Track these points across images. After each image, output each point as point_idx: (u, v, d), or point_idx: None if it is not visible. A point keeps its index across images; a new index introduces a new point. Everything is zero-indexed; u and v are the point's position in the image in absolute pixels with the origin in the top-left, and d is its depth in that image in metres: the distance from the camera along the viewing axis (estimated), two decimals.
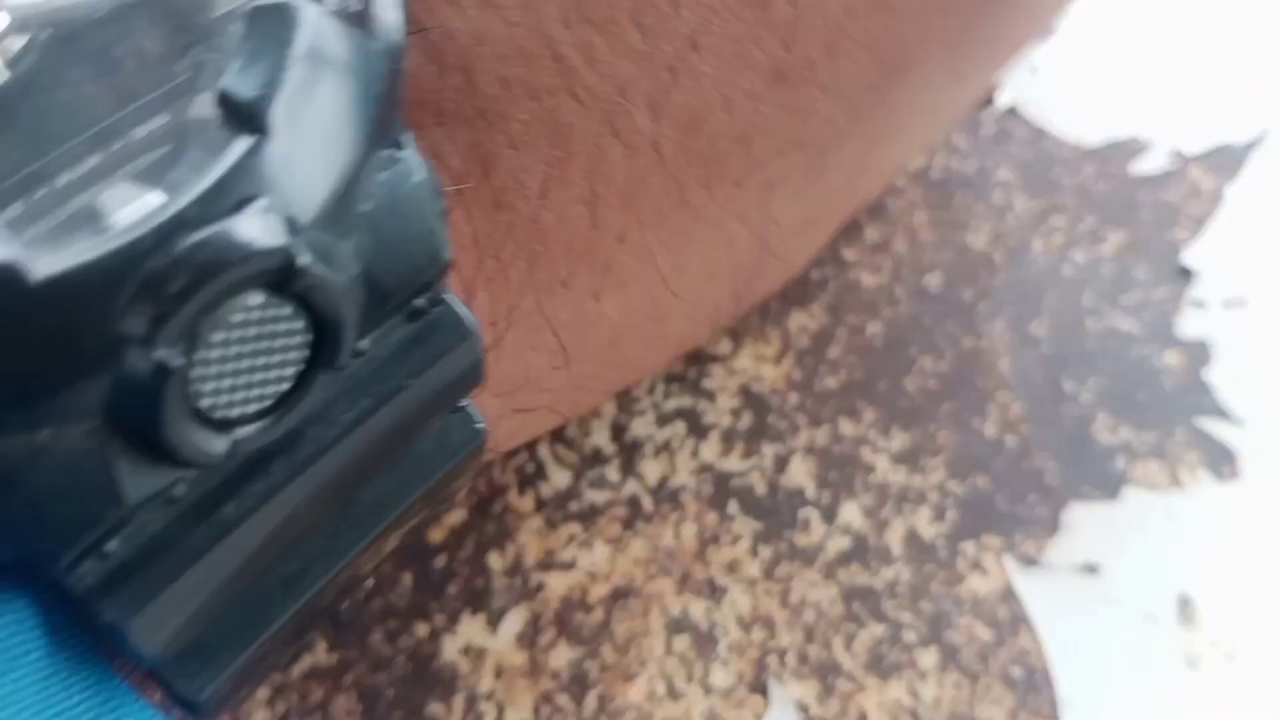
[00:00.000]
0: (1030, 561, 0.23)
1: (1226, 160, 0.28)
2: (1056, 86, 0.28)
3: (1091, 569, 0.23)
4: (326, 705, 0.21)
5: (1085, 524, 0.23)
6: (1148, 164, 0.27)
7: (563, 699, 0.21)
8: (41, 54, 0.10)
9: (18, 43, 0.09)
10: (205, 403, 0.09)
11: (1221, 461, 0.24)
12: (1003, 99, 0.28)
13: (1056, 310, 0.25)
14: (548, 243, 0.14)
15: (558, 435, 0.23)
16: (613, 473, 0.23)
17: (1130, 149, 0.27)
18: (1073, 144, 0.27)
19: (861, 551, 0.22)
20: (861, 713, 0.21)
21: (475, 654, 0.21)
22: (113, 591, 0.10)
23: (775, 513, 0.23)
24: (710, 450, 0.23)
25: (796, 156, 0.17)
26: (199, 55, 0.10)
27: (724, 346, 0.24)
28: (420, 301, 0.12)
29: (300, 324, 0.10)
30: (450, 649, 0.21)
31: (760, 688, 0.21)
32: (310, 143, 0.10)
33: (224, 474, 0.10)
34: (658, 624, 0.21)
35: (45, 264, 0.08)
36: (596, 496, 0.23)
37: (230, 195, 0.09)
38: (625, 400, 0.24)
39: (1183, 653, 0.22)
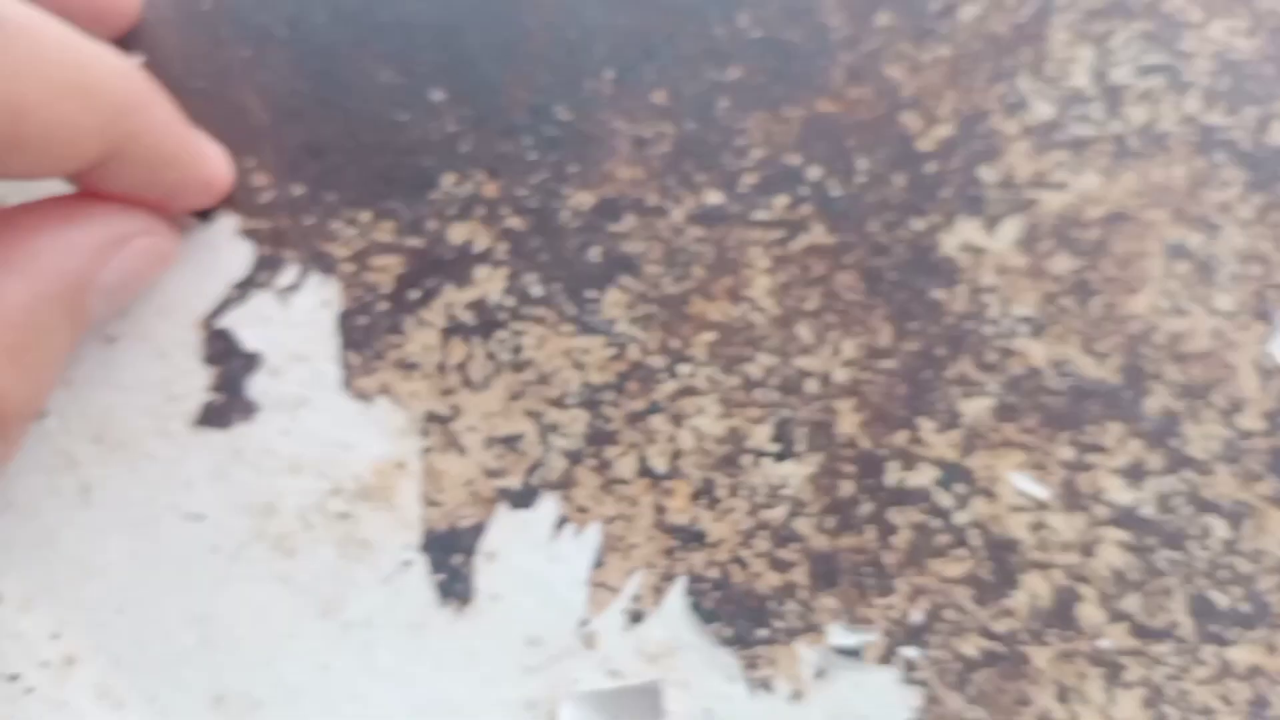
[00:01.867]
0: None
1: None
2: None
3: None
4: (828, 279, 0.21)
5: None
6: None
7: (1067, 301, 0.21)
8: None
9: None
10: None
11: None
12: None
13: None
14: None
15: (1036, 70, 0.23)
16: (1096, 111, 0.23)
17: None
18: None
19: None
20: None
21: (974, 252, 0.21)
22: None
23: (1263, 166, 0.22)
24: (1192, 104, 0.23)
25: None
26: None
27: (1195, 15, 0.24)
28: None
29: None
30: (948, 244, 0.21)
31: (1263, 315, 0.21)
32: None
33: None
34: (1155, 248, 0.21)
35: None
36: (1082, 130, 0.22)
37: None
38: (1102, 50, 0.23)
39: None
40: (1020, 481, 0.20)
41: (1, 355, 0.18)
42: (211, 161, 0.21)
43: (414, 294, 0.21)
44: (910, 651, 0.19)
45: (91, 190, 0.19)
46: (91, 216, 0.19)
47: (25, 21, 0.16)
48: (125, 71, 0.18)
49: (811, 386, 0.21)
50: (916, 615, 0.20)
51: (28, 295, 0.18)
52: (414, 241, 0.21)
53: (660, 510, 0.20)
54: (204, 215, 0.22)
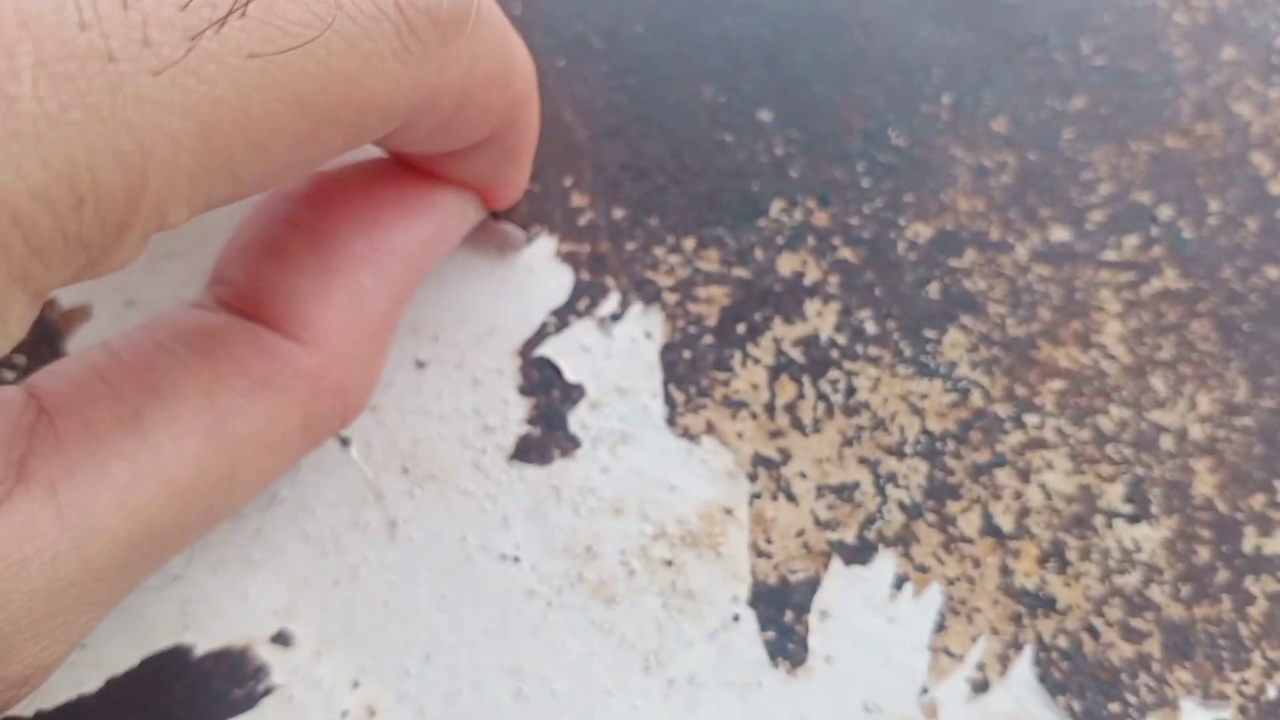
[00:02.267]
0: None
1: None
2: None
3: None
4: (1182, 327, 0.20)
5: None
6: None
7: None
8: None
9: None
10: None
11: None
12: None
13: None
14: None
15: None
16: None
17: None
18: None
19: None
20: None
21: None
22: None
23: None
24: None
25: None
26: None
27: None
28: None
29: None
30: None
31: None
32: None
33: None
34: None
35: None
36: None
37: None
38: None
39: None
40: None
41: (361, 361, 0.17)
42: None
43: (740, 328, 0.20)
44: None
45: (428, 167, 0.18)
46: (437, 206, 0.18)
47: (489, 12, 0.15)
48: (529, 62, 0.17)
49: (1167, 443, 0.19)
50: (1272, 691, 0.19)
51: (388, 302, 0.17)
52: (740, 272, 0.20)
53: (1006, 572, 0.19)
54: (520, 225, 0.20)
